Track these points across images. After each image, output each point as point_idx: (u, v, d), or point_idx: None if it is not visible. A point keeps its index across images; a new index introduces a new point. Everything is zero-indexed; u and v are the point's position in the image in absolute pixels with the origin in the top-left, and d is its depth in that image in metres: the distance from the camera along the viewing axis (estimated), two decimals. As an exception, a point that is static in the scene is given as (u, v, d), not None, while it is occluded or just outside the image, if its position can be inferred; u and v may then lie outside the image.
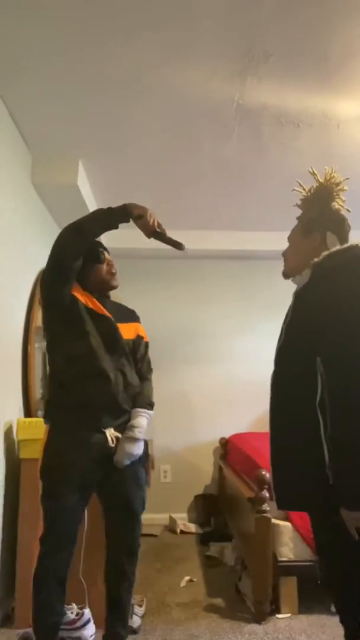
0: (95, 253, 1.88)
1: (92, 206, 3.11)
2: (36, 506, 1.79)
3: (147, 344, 2.03)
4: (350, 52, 1.89)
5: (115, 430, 1.80)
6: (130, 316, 2.02)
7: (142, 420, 1.85)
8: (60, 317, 1.78)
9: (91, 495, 1.80)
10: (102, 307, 1.84)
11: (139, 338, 1.99)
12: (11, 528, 2.19)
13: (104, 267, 1.89)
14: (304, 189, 1.54)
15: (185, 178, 2.97)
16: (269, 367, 1.50)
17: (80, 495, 1.71)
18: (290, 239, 1.58)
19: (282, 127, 2.41)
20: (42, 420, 2.30)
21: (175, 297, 4.08)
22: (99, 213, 1.73)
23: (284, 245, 1.66)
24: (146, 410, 1.89)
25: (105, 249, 1.94)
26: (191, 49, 1.89)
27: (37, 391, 2.74)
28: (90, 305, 1.82)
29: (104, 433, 1.75)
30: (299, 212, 1.60)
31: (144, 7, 1.68)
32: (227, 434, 3.79)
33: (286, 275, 1.61)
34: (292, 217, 1.62)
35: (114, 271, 1.92)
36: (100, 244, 1.91)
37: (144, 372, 1.97)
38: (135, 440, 1.81)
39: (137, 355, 1.96)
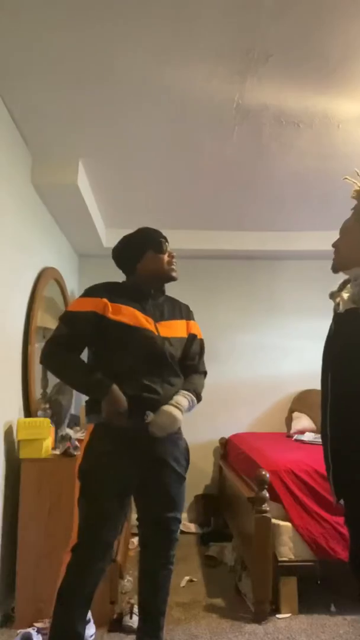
0: (157, 242, 1.82)
1: (92, 206, 3.11)
2: (36, 506, 1.80)
3: (201, 341, 1.94)
4: (350, 52, 1.89)
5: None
6: (183, 313, 1.92)
7: (183, 399, 1.73)
8: (90, 342, 1.76)
9: (130, 502, 1.76)
10: (138, 316, 1.73)
11: (192, 336, 1.89)
12: (11, 528, 2.19)
13: (165, 257, 1.84)
14: (356, 182, 1.51)
15: (185, 178, 2.97)
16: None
17: (119, 501, 1.64)
18: (344, 230, 1.53)
19: (282, 127, 2.40)
20: (42, 420, 2.30)
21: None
22: (81, 381, 1.72)
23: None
24: (190, 394, 1.77)
25: (166, 239, 1.88)
26: (191, 49, 1.88)
27: (37, 391, 2.74)
28: (124, 320, 1.71)
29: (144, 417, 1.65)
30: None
31: (144, 8, 1.68)
32: (227, 434, 3.79)
33: (336, 268, 1.55)
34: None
35: (174, 262, 1.87)
36: (160, 234, 1.86)
37: (199, 370, 1.90)
38: (169, 412, 1.67)
39: (189, 352, 1.86)
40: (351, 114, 2.29)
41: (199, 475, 3.91)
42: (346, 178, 1.54)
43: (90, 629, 2.02)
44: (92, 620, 2.04)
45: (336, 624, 2.20)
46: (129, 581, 2.58)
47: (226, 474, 3.39)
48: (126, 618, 2.14)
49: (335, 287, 1.57)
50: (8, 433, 2.27)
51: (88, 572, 1.59)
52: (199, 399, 1.83)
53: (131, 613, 2.14)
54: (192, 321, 1.92)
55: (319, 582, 2.27)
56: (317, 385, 4.29)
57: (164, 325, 1.78)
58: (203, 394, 1.86)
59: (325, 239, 3.84)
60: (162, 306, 1.84)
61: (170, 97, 2.17)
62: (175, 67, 1.98)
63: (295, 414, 3.79)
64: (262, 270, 4.10)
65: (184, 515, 3.79)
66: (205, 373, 1.95)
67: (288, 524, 2.30)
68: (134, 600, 2.24)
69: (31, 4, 1.66)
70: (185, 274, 4.15)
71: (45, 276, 2.88)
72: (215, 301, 4.10)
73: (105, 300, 1.71)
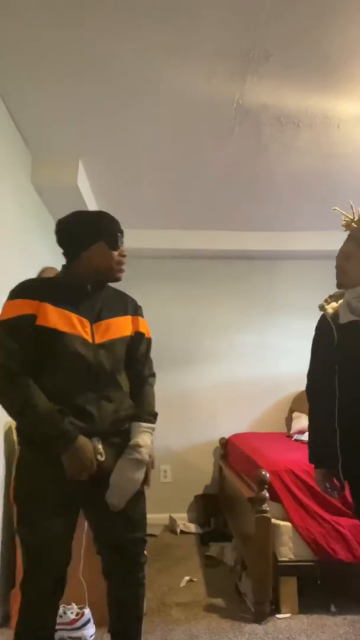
0: (113, 235, 1.54)
1: (92, 206, 3.11)
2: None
3: (149, 341, 1.67)
4: (350, 52, 1.89)
5: (104, 444, 1.45)
6: (129, 308, 1.63)
7: (147, 437, 1.51)
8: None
9: (76, 518, 1.50)
10: (71, 318, 1.45)
11: (139, 335, 1.62)
12: (11, 528, 2.19)
13: (116, 255, 1.55)
14: (348, 215, 1.73)
15: (185, 178, 2.97)
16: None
17: (63, 521, 1.41)
18: (346, 254, 1.68)
19: (282, 127, 2.40)
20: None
21: (175, 297, 4.08)
22: (41, 430, 1.38)
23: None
24: (149, 425, 1.55)
25: (122, 233, 1.60)
26: (191, 49, 1.89)
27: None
28: (55, 325, 1.42)
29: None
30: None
31: (144, 8, 1.68)
32: (227, 434, 3.79)
33: (343, 286, 1.71)
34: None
35: (124, 263, 1.59)
36: (118, 225, 1.58)
37: (144, 375, 1.62)
38: (141, 463, 1.47)
39: (136, 354, 1.60)
40: (351, 114, 2.29)
41: (199, 475, 3.92)
42: (335, 209, 1.71)
43: (90, 629, 2.02)
44: (92, 621, 2.04)
45: (336, 624, 2.20)
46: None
47: (226, 474, 3.39)
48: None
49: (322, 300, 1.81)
50: (8, 433, 2.26)
51: (42, 611, 1.41)
52: (156, 418, 1.60)
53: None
54: (139, 317, 1.64)
55: (319, 582, 2.26)
56: (317, 385, 4.20)
57: (102, 326, 1.51)
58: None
59: (324, 239, 3.89)
60: (100, 302, 1.55)
61: (170, 97, 2.17)
62: (175, 67, 1.98)
63: (295, 414, 3.79)
64: (261, 270, 4.10)
65: (184, 516, 3.80)
66: (153, 376, 1.67)
67: (288, 524, 2.30)
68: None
69: (31, 4, 1.66)
70: (185, 274, 4.19)
71: (46, 276, 2.88)
72: (214, 301, 4.10)
73: (37, 301, 1.43)
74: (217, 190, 3.13)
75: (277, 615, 2.25)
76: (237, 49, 1.88)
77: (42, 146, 2.58)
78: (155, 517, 3.64)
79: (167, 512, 3.76)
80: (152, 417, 1.57)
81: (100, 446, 1.43)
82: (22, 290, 1.48)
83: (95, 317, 1.51)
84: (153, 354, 1.70)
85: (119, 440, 1.49)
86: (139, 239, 3.65)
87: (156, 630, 2.15)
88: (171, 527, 3.66)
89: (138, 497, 1.51)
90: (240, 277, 4.13)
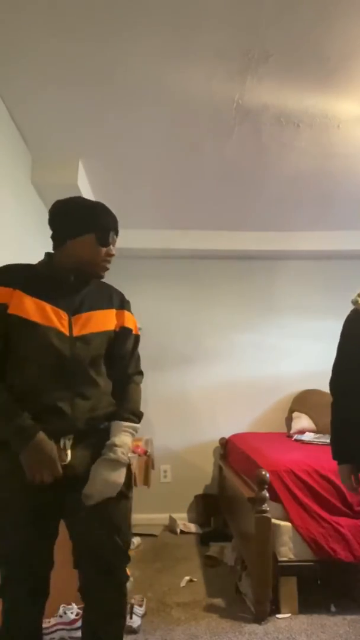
0: (104, 231, 1.44)
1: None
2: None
3: (137, 337, 1.56)
4: (350, 52, 1.89)
5: (78, 445, 1.36)
6: (114, 301, 1.52)
7: (125, 437, 1.41)
8: None
9: (56, 527, 1.41)
10: (46, 309, 1.37)
11: (125, 330, 1.51)
12: None
13: (103, 251, 1.45)
14: None
15: (185, 178, 2.97)
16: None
17: (38, 529, 1.33)
18: None
19: (282, 127, 2.40)
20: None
21: (175, 297, 4.08)
22: (1, 424, 1.31)
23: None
24: (131, 425, 1.44)
25: (117, 233, 1.51)
26: (191, 50, 1.89)
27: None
28: (27, 315, 1.34)
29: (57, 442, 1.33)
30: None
31: (144, 8, 1.68)
32: (227, 434, 3.79)
33: None
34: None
35: (109, 262, 1.49)
36: (114, 223, 1.49)
37: (129, 373, 1.52)
38: (118, 463, 1.36)
39: (120, 351, 1.50)
40: (351, 114, 2.29)
41: (199, 475, 3.92)
42: None
43: (90, 629, 2.02)
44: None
45: (336, 624, 2.20)
46: (129, 582, 2.58)
47: (226, 474, 3.39)
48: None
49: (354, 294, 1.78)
50: None
51: (23, 616, 1.35)
52: (140, 418, 1.49)
53: (131, 613, 2.14)
54: (126, 311, 1.53)
55: (319, 582, 2.27)
56: (317, 385, 4.31)
57: (82, 319, 1.41)
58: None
59: (324, 239, 3.89)
60: (83, 295, 1.46)
61: (170, 97, 2.17)
62: (175, 67, 1.98)
63: (295, 414, 3.79)
64: (261, 270, 4.10)
65: (184, 516, 3.80)
66: (140, 374, 1.57)
67: (288, 524, 2.30)
68: (134, 600, 2.24)
69: (31, 5, 1.66)
70: (185, 274, 4.19)
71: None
72: (214, 301, 4.10)
73: (10, 289, 1.35)
74: (217, 190, 3.13)
75: (277, 615, 2.25)
76: (237, 49, 1.88)
77: (42, 146, 2.58)
78: (155, 517, 3.65)
79: (167, 512, 3.76)
80: (134, 416, 1.46)
81: (68, 447, 1.33)
82: None
83: (75, 309, 1.42)
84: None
85: (95, 440, 1.39)
86: (139, 239, 3.65)
87: (156, 630, 2.15)
88: (171, 527, 3.66)
89: (119, 500, 1.39)
90: (240, 277, 4.13)
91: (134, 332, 1.55)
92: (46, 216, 1.54)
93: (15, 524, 1.31)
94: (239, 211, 3.47)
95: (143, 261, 3.98)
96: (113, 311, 1.50)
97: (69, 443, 1.34)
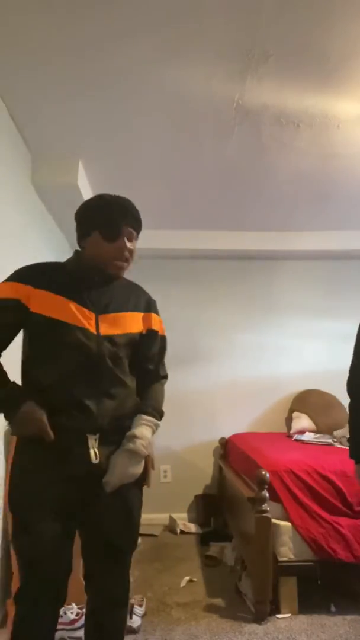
0: (108, 225, 1.40)
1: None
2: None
3: (163, 339, 1.56)
4: (350, 52, 1.89)
5: (104, 444, 1.37)
6: (141, 303, 1.52)
7: (145, 430, 1.41)
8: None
9: (75, 527, 1.41)
10: (72, 308, 1.37)
11: (151, 332, 1.52)
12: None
13: (113, 247, 1.41)
14: None
15: (185, 178, 2.97)
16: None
17: (61, 526, 1.32)
18: None
19: (282, 127, 2.40)
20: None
21: (175, 297, 4.07)
22: None
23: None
24: (152, 419, 1.45)
25: (134, 225, 1.48)
26: (191, 49, 1.89)
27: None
28: (51, 314, 1.35)
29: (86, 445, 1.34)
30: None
31: (144, 8, 1.68)
32: (227, 434, 3.79)
33: None
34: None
35: (125, 257, 1.44)
36: (125, 215, 1.44)
37: (157, 374, 1.55)
38: (136, 455, 1.38)
39: (148, 353, 1.51)
40: (351, 114, 2.29)
41: (199, 475, 3.92)
42: None
43: (90, 629, 2.01)
44: (92, 620, 2.03)
45: (336, 624, 2.20)
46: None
47: (226, 474, 3.39)
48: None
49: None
50: (8, 433, 2.26)
51: (37, 625, 1.30)
52: (161, 416, 1.50)
53: (131, 613, 2.14)
54: (153, 314, 1.53)
55: (319, 582, 2.27)
56: (317, 385, 4.31)
57: (109, 319, 1.41)
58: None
59: (324, 239, 3.89)
60: (110, 295, 1.45)
61: (170, 98, 2.17)
62: (175, 67, 1.98)
63: (295, 414, 3.79)
64: (261, 270, 4.10)
65: (184, 516, 3.80)
66: (166, 377, 1.59)
67: (288, 524, 2.30)
68: (134, 599, 2.24)
69: (31, 5, 1.66)
70: (185, 274, 4.19)
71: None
72: (214, 301, 4.10)
73: (29, 287, 1.36)
74: (217, 190, 3.13)
75: (277, 615, 2.25)
76: (237, 49, 1.88)
77: (42, 146, 2.58)
78: (155, 517, 3.65)
79: (167, 512, 3.76)
80: (156, 412, 1.47)
81: (96, 447, 1.34)
82: (17, 275, 1.41)
83: (102, 309, 1.41)
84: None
85: (120, 437, 1.39)
86: (139, 239, 3.64)
87: (156, 630, 2.15)
88: (171, 527, 3.66)
89: (136, 488, 1.43)
90: (240, 277, 4.13)
91: (160, 333, 1.56)
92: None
93: (43, 518, 1.29)
94: (238, 211, 3.47)
95: (143, 261, 3.96)
96: (140, 314, 1.51)
97: (95, 443, 1.35)
